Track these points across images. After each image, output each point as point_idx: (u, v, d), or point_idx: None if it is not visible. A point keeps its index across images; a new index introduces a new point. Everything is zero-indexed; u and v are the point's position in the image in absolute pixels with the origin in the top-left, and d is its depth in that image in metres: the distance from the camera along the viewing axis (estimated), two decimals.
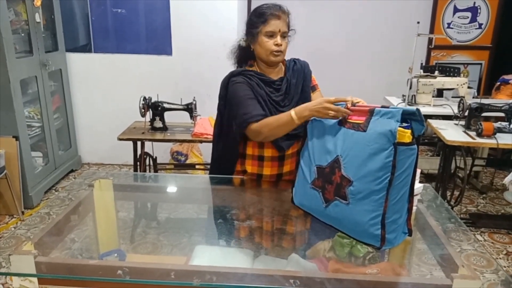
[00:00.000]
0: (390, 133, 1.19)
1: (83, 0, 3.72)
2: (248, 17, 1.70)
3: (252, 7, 4.84)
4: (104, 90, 3.91)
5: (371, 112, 1.27)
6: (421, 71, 3.58)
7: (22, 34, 3.20)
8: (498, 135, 2.66)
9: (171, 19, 3.68)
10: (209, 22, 3.67)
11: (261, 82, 1.66)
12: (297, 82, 1.71)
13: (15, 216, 3.06)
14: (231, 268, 1.16)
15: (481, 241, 2.85)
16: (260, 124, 1.56)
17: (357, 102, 1.36)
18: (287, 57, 1.76)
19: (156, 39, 3.76)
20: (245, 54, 1.73)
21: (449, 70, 4.19)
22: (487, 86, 5.76)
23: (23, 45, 3.21)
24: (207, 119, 2.83)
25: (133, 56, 3.81)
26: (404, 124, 1.21)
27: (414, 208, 1.44)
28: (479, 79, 5.76)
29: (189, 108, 2.68)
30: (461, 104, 2.87)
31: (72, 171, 3.92)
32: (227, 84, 1.69)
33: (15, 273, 1.11)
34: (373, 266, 1.59)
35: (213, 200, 1.88)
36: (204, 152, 3.83)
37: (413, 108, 1.21)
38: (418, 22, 3.51)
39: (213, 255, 1.51)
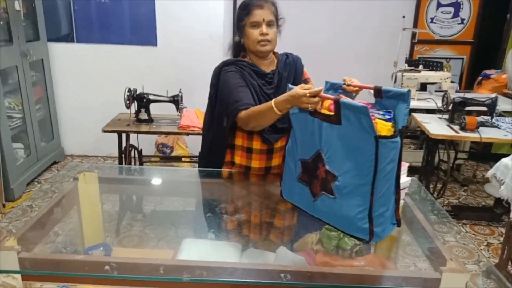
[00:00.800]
0: (367, 126, 1.14)
1: None
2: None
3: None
4: (88, 81, 3.84)
5: (337, 104, 1.18)
6: (406, 65, 3.60)
7: (1, 23, 3.11)
8: (480, 129, 2.72)
9: (156, 9, 3.62)
10: (195, 13, 3.63)
11: (254, 73, 1.66)
12: (289, 76, 1.71)
13: None
14: (221, 262, 1.15)
15: (462, 232, 2.91)
16: (247, 112, 1.54)
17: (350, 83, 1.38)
18: (280, 50, 1.76)
19: (140, 29, 3.70)
20: (239, 47, 1.73)
21: (432, 65, 4.24)
22: (469, 80, 5.85)
23: (2, 34, 3.12)
24: (193, 111, 2.81)
25: (117, 46, 3.74)
26: (387, 117, 1.21)
27: (402, 201, 1.45)
28: (461, 73, 5.85)
29: (175, 100, 2.65)
30: (445, 98, 2.91)
31: (55, 162, 3.86)
32: (219, 73, 1.68)
33: None
34: (360, 258, 1.60)
35: (200, 193, 1.88)
36: (190, 144, 3.80)
37: (404, 90, 1.21)
38: (404, 17, 3.54)
39: (200, 249, 1.51)
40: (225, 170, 1.78)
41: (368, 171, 1.19)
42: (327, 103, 1.29)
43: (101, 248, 1.57)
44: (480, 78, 4.22)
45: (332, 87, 1.47)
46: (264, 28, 1.59)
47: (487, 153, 3.68)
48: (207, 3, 3.59)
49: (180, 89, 2.70)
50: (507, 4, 5.25)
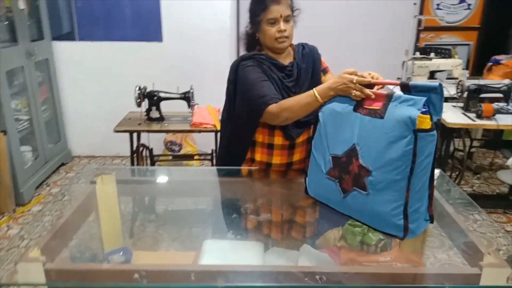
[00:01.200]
0: (409, 120, 1.14)
1: None
2: (249, 4, 1.62)
3: None
4: (93, 79, 3.78)
5: (388, 98, 1.21)
6: (417, 53, 3.54)
7: (6, 22, 3.04)
8: (497, 116, 2.66)
9: (161, 4, 3.55)
10: (200, 5, 3.55)
11: (273, 66, 1.60)
12: (307, 67, 1.65)
13: (6, 214, 2.96)
14: (255, 266, 1.10)
15: (479, 220, 2.87)
16: (279, 106, 1.49)
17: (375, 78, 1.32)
18: (295, 40, 1.70)
19: (145, 25, 3.63)
20: (253, 40, 1.67)
21: (440, 52, 4.16)
22: (476, 66, 5.77)
23: (7, 33, 3.06)
24: (205, 107, 2.75)
25: (121, 43, 3.67)
26: (422, 109, 1.17)
27: None
28: (467, 59, 5.77)
29: (187, 97, 2.59)
30: (459, 85, 2.85)
31: (62, 164, 3.81)
32: (237, 68, 1.61)
33: (23, 283, 1.04)
34: (386, 253, 1.57)
35: (220, 193, 1.83)
36: (198, 141, 3.75)
37: (435, 83, 1.16)
38: (415, 4, 3.45)
39: (222, 250, 1.46)
40: (244, 168, 1.74)
41: (406, 165, 1.16)
42: None
43: (121, 253, 1.53)
44: (490, 64, 4.14)
45: None
46: (282, 25, 1.53)
47: (500, 140, 3.62)
48: None
49: (191, 86, 2.64)
50: None
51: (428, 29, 5.63)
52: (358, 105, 1.29)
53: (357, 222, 1.42)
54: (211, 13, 3.56)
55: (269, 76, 1.57)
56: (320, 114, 1.39)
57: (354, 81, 1.29)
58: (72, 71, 3.75)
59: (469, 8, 5.67)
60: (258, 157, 1.69)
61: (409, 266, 1.30)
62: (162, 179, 1.92)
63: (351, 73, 1.32)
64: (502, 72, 3.98)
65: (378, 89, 1.33)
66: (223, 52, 3.63)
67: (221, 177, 1.84)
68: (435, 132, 1.15)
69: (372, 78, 1.33)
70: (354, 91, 1.29)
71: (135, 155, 2.66)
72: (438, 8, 5.65)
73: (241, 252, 1.45)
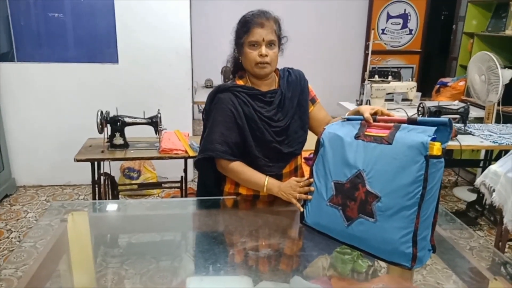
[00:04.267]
0: (422, 145, 1.13)
1: (2, 3, 3.27)
2: (236, 26, 1.56)
3: (193, 12, 4.71)
4: (40, 103, 3.48)
5: (396, 127, 1.21)
6: (376, 76, 3.65)
7: None
8: (458, 136, 2.77)
9: (116, 24, 3.38)
10: (159, 27, 3.42)
11: (250, 97, 1.53)
12: (293, 96, 1.58)
13: None
14: None
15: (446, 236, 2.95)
16: (231, 167, 1.52)
17: (385, 115, 1.31)
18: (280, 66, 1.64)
19: (100, 46, 3.44)
20: (238, 64, 1.59)
21: (392, 74, 4.33)
22: (420, 88, 6.10)
23: None
24: (173, 132, 2.60)
25: (71, 64, 3.43)
26: (432, 136, 1.16)
27: None
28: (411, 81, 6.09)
29: (154, 122, 2.44)
30: (420, 108, 2.95)
31: (6, 196, 3.45)
32: (213, 100, 1.55)
33: None
34: (376, 280, 1.54)
35: (200, 225, 1.70)
36: (158, 168, 3.57)
37: (445, 119, 1.17)
38: (373, 29, 3.57)
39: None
40: (226, 198, 1.65)
41: (417, 191, 1.14)
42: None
43: None
44: (437, 86, 4.38)
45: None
46: (263, 49, 1.46)
47: (455, 159, 3.80)
48: (172, 14, 3.39)
49: (159, 110, 2.50)
50: (452, 14, 5.55)
51: (374, 52, 5.91)
52: (360, 133, 1.26)
53: (346, 249, 1.38)
54: (170, 34, 3.44)
55: (240, 117, 1.50)
56: (321, 138, 1.34)
57: (299, 187, 1.39)
58: (16, 93, 3.44)
59: (411, 33, 6.03)
60: (243, 191, 1.60)
61: None
62: (142, 213, 1.76)
63: (298, 181, 1.41)
64: (449, 93, 4.22)
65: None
66: (184, 76, 3.52)
67: (198, 209, 1.73)
68: (443, 159, 1.15)
69: (377, 113, 1.33)
70: (294, 198, 1.40)
71: (96, 185, 2.45)
72: (383, 33, 5.96)
73: None
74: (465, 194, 3.70)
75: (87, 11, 3.35)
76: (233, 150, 1.50)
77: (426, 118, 1.21)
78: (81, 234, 1.49)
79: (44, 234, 1.48)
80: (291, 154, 1.58)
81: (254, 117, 1.50)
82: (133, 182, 3.43)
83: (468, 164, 3.96)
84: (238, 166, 1.51)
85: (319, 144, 1.35)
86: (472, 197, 3.52)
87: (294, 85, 1.60)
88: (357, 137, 1.26)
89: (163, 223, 1.73)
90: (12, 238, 2.85)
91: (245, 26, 1.48)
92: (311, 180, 1.36)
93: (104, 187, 2.48)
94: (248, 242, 1.54)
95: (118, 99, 3.41)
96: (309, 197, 1.36)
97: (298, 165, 1.67)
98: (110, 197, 2.76)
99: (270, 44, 1.47)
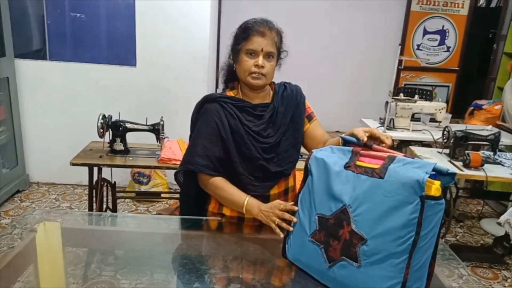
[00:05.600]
0: (417, 183, 0.97)
1: (38, 1, 3.32)
2: (235, 31, 1.46)
3: (223, 16, 4.64)
4: (59, 102, 3.50)
5: (390, 158, 1.05)
6: (401, 94, 3.44)
7: None
8: (485, 166, 2.53)
9: (136, 27, 3.35)
10: (178, 31, 3.37)
11: (237, 109, 1.43)
12: (286, 111, 1.47)
13: None
14: None
15: (465, 275, 2.70)
16: (211, 182, 1.41)
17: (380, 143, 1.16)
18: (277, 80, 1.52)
19: (118, 48, 3.42)
20: (231, 73, 1.50)
21: (421, 93, 4.10)
22: (455, 108, 5.80)
23: None
24: (175, 141, 2.51)
25: (92, 65, 3.43)
26: (431, 173, 0.99)
27: None
28: (446, 101, 5.79)
29: (156, 129, 2.36)
30: (445, 132, 2.73)
31: (18, 191, 3.47)
32: (200, 110, 1.47)
33: None
34: None
35: (183, 250, 1.57)
36: (169, 174, 3.50)
37: (447, 168, 1.00)
38: (400, 44, 3.38)
39: None
40: (213, 219, 1.53)
41: (408, 236, 0.98)
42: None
43: None
44: (471, 108, 4.09)
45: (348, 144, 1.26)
46: (260, 60, 1.37)
47: (485, 191, 3.51)
48: (192, 19, 3.33)
49: (162, 117, 2.42)
50: (491, 34, 5.25)
51: (408, 68, 5.66)
52: (351, 162, 1.11)
53: None
54: (188, 40, 3.38)
55: (225, 131, 1.41)
56: (309, 164, 1.20)
57: (279, 209, 1.26)
58: (36, 92, 3.48)
59: (448, 51, 5.74)
60: (227, 212, 1.49)
61: None
62: (119, 227, 1.66)
63: (280, 204, 1.28)
64: (484, 117, 3.92)
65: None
66: (201, 83, 3.44)
67: (183, 230, 1.60)
68: (443, 200, 0.98)
69: (373, 135, 1.22)
70: (273, 222, 1.26)
71: (94, 190, 2.39)
72: (418, 49, 5.69)
73: None
74: (493, 227, 3.41)
75: (108, 12, 3.34)
76: (215, 165, 1.40)
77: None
78: (52, 245, 1.40)
79: (11, 242, 1.40)
80: (279, 174, 1.46)
81: (240, 130, 1.41)
82: (142, 187, 3.38)
83: (496, 197, 3.66)
84: (219, 182, 1.41)
85: (307, 170, 1.21)
86: (502, 231, 3.23)
87: (289, 100, 1.49)
88: (347, 166, 1.11)
89: (137, 241, 1.61)
90: (14, 234, 2.83)
91: (245, 32, 1.39)
92: (295, 208, 1.22)
93: (101, 193, 2.41)
94: (233, 270, 1.40)
95: (131, 103, 3.40)
96: (290, 228, 1.22)
97: (290, 187, 1.54)
98: (109, 204, 2.70)
99: (268, 55, 1.39)
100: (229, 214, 1.48)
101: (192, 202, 1.55)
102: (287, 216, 1.23)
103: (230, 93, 1.49)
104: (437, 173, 0.99)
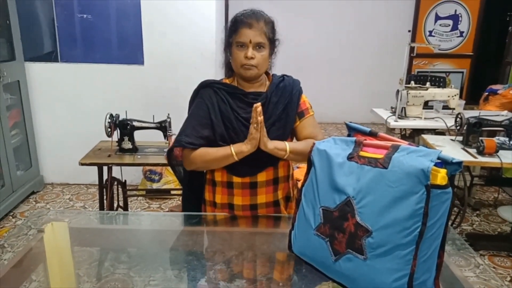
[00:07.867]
0: (422, 172, 0.94)
1: (47, 4, 3.35)
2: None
3: (230, 13, 4.62)
4: (70, 103, 3.54)
5: (394, 148, 1.01)
6: (412, 82, 3.37)
7: None
8: (500, 152, 2.47)
9: (143, 25, 3.36)
10: (184, 28, 3.36)
11: (230, 95, 1.46)
12: (278, 102, 1.48)
13: None
14: None
15: (482, 265, 2.64)
16: (194, 153, 1.44)
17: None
18: (280, 68, 1.53)
19: (126, 47, 3.43)
20: (228, 65, 1.54)
21: (434, 80, 4.01)
22: (470, 94, 5.68)
23: None
24: None
25: (101, 66, 3.46)
26: (436, 162, 0.96)
27: None
28: (461, 87, 5.67)
29: (163, 127, 2.37)
30: (458, 119, 2.67)
31: (33, 193, 3.53)
32: (196, 94, 1.52)
33: None
34: None
35: (193, 246, 1.57)
36: None
37: (452, 157, 0.96)
38: (409, 31, 3.32)
39: None
40: (209, 215, 1.59)
41: (415, 227, 0.94)
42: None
43: None
44: (486, 93, 3.99)
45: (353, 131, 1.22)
46: (250, 51, 1.39)
47: (501, 178, 3.43)
48: (198, 16, 3.33)
49: (168, 114, 2.42)
50: (508, 16, 5.10)
51: (420, 55, 5.55)
52: (354, 153, 1.08)
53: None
54: (195, 37, 3.37)
55: (215, 113, 1.44)
56: (311, 156, 1.18)
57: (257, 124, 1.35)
58: (47, 94, 3.52)
59: (461, 36, 5.61)
60: (218, 198, 1.53)
61: None
62: (131, 226, 1.67)
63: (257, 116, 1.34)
64: (499, 102, 3.82)
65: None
66: (210, 76, 3.42)
67: (185, 226, 1.60)
68: (450, 189, 0.94)
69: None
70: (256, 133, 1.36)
71: (104, 189, 2.40)
72: (430, 35, 5.58)
73: None
74: (510, 215, 3.34)
75: (114, 12, 3.35)
76: (201, 144, 1.44)
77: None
78: (60, 245, 1.41)
79: (18, 245, 1.41)
80: (265, 161, 1.47)
81: (230, 116, 1.44)
82: (154, 185, 3.39)
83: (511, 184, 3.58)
84: (202, 150, 1.45)
85: (310, 163, 1.19)
86: None
87: (283, 92, 1.49)
88: (350, 157, 1.08)
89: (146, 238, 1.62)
90: (30, 235, 2.88)
91: (234, 25, 1.43)
92: (260, 118, 1.35)
93: (111, 192, 2.43)
94: (235, 265, 1.39)
95: (143, 100, 3.41)
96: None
97: (281, 177, 1.54)
98: (120, 202, 2.72)
99: (258, 46, 1.41)
100: (219, 201, 1.53)
101: (189, 190, 1.64)
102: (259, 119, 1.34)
103: (226, 81, 1.53)
104: (443, 162, 0.95)
